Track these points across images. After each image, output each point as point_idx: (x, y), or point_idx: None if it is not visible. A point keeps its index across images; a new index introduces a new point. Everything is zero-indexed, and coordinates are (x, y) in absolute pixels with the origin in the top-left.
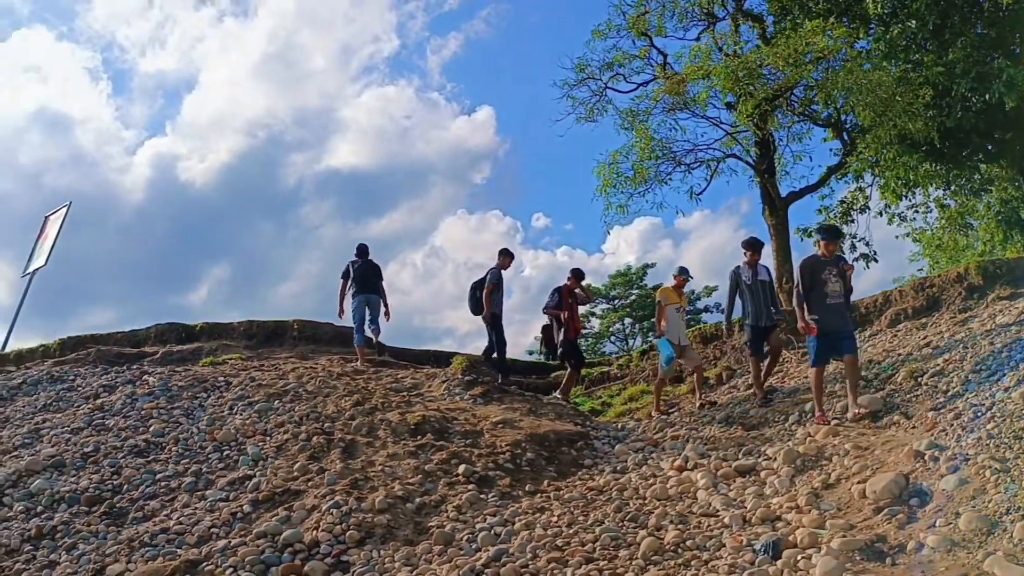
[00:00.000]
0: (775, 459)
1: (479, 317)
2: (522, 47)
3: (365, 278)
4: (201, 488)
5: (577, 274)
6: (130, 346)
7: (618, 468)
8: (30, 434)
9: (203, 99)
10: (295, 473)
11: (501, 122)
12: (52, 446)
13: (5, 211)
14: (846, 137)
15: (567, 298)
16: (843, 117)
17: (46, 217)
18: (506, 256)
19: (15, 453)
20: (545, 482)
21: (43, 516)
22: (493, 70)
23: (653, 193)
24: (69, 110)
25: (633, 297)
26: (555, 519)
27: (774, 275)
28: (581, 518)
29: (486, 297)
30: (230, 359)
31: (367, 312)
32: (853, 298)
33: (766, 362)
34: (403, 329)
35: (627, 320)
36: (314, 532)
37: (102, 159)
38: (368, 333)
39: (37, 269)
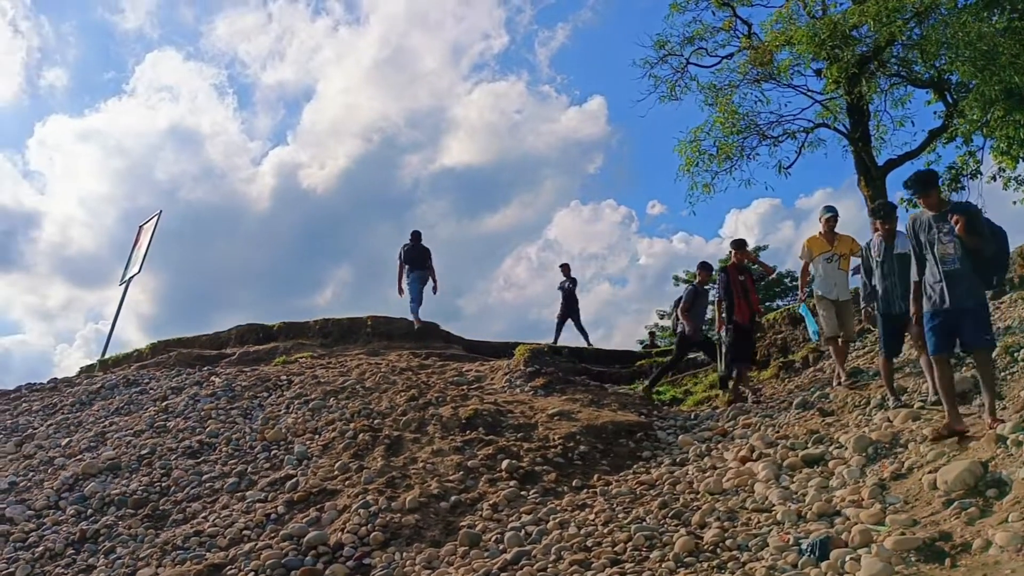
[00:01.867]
0: (846, 447)
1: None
2: (631, 33)
3: (416, 259)
4: (243, 489)
5: (739, 245)
6: (213, 348)
7: (677, 460)
8: (96, 437)
9: (321, 107)
10: (335, 472)
11: (613, 111)
12: (113, 449)
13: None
14: (950, 98)
15: (735, 276)
16: (947, 77)
17: (140, 226)
18: (703, 270)
19: (79, 456)
20: (595, 476)
21: (91, 519)
22: (603, 59)
23: (740, 170)
24: (199, 126)
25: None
26: (593, 517)
27: None
28: (621, 515)
29: (682, 314)
30: (301, 358)
31: (420, 289)
32: None
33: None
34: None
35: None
36: (340, 534)
37: (230, 170)
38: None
39: (132, 276)
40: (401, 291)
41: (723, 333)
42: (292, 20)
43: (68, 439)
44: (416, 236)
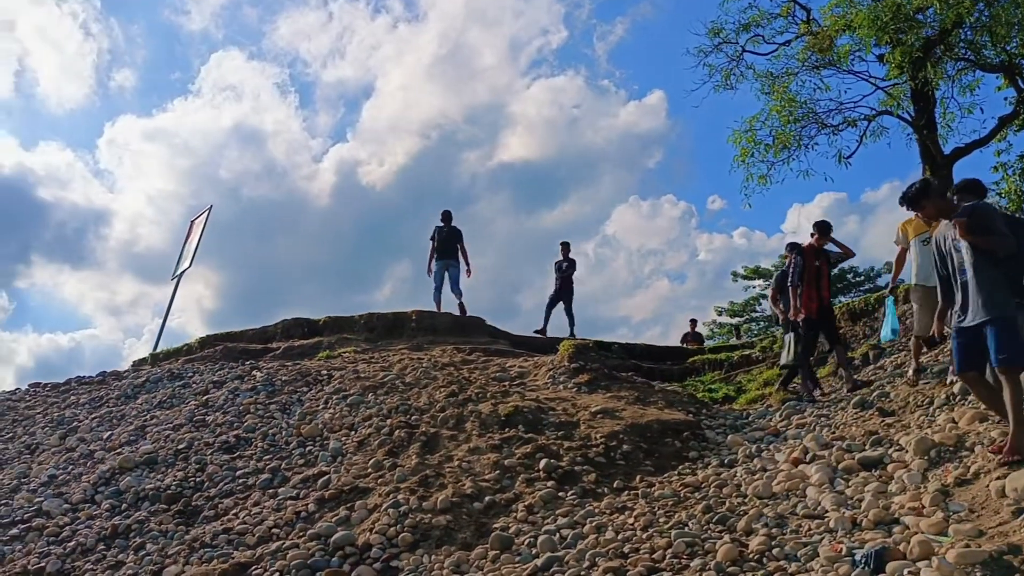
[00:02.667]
0: (907, 450)
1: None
2: (691, 24)
3: (446, 243)
4: (276, 485)
5: (823, 228)
6: (259, 342)
7: (725, 461)
8: (136, 431)
9: (380, 105)
10: (368, 469)
11: (672, 104)
12: (152, 443)
13: (210, 223)
14: (1022, 83)
15: (812, 261)
16: (1018, 61)
17: (192, 221)
18: (793, 252)
19: (118, 450)
20: (638, 478)
21: (124, 514)
22: (662, 52)
23: (798, 160)
24: (261, 124)
25: (772, 289)
26: (632, 521)
27: None
28: (662, 519)
29: (772, 302)
30: (344, 352)
31: (446, 278)
32: None
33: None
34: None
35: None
36: (368, 534)
37: (291, 168)
38: (443, 302)
39: (184, 271)
40: (430, 271)
41: (798, 322)
42: (352, 18)
43: (110, 432)
44: (447, 216)
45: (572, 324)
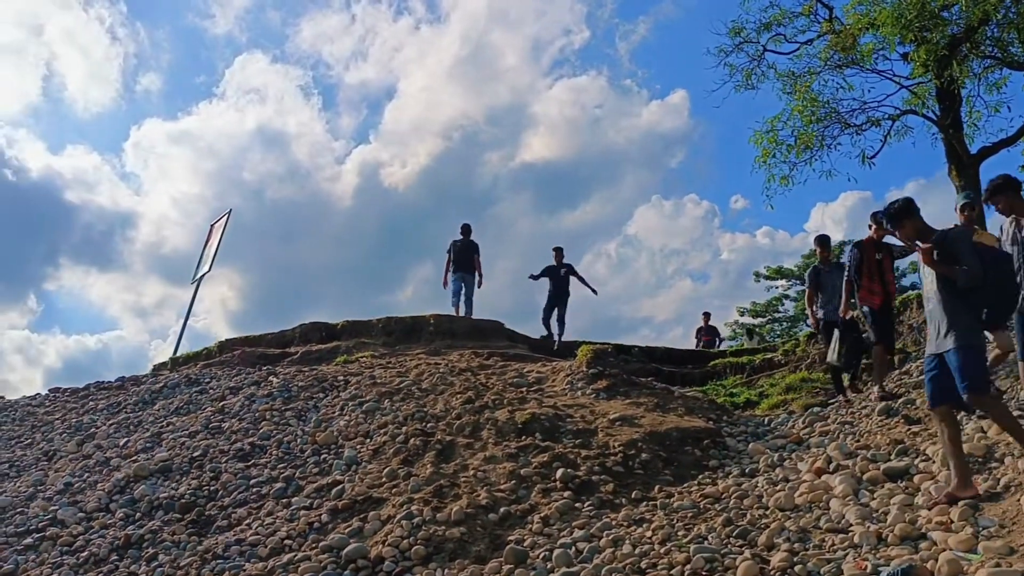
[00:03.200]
0: (934, 460)
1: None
2: (715, 24)
3: (461, 255)
4: (289, 495)
5: (882, 218)
6: (278, 346)
7: (747, 471)
8: (152, 438)
9: (403, 106)
10: (382, 479)
11: (695, 104)
12: (167, 450)
13: (234, 225)
14: None
15: (871, 254)
16: None
17: (211, 225)
18: (821, 246)
19: (134, 458)
20: (656, 488)
21: (138, 523)
22: (684, 51)
23: (820, 160)
24: (285, 126)
25: (808, 291)
26: (650, 534)
27: None
28: (681, 533)
29: (808, 305)
30: (362, 357)
31: (463, 289)
32: None
33: None
34: (598, 320)
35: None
36: (381, 547)
37: (314, 170)
38: (462, 308)
39: (204, 275)
40: (445, 284)
41: (862, 317)
42: (375, 20)
43: (126, 439)
44: (466, 230)
45: (562, 332)
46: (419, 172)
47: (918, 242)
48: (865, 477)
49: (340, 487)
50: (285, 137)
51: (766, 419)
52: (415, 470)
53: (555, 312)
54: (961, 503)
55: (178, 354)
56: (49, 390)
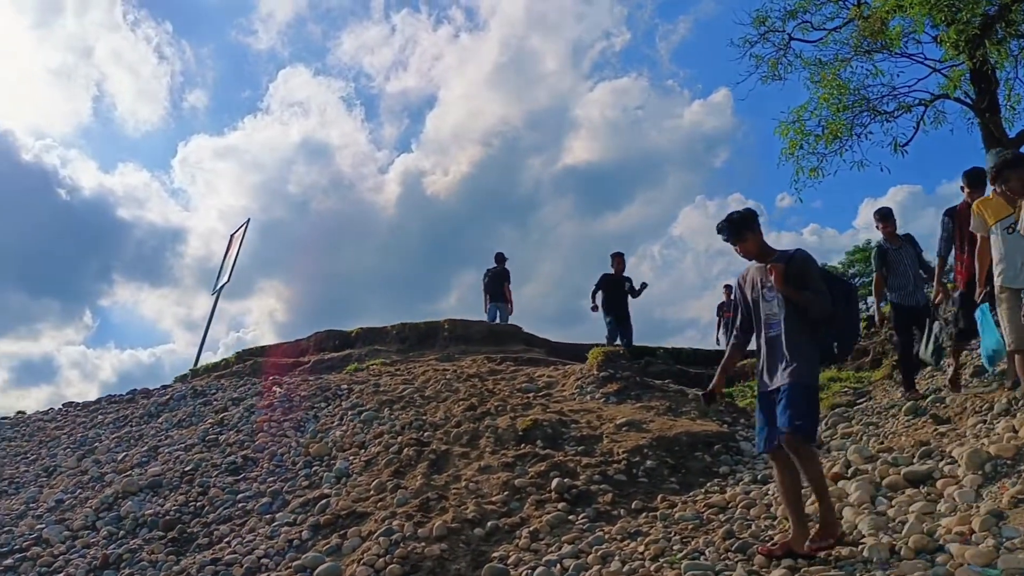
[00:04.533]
0: (959, 462)
1: None
2: (744, 16)
3: (493, 284)
4: (274, 510)
5: (976, 179)
6: (295, 355)
7: (759, 477)
8: (149, 452)
9: (443, 115)
10: (370, 492)
11: (738, 102)
12: (161, 464)
13: (279, 237)
14: None
15: (966, 224)
16: None
17: (231, 235)
18: (883, 220)
19: (128, 472)
20: (659, 497)
21: (119, 542)
22: (727, 50)
23: (851, 151)
24: (328, 138)
25: (876, 275)
26: (642, 549)
27: None
28: (677, 547)
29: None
30: (372, 365)
31: (498, 316)
32: None
33: None
34: (643, 322)
35: (869, 299)
36: (355, 566)
37: (358, 180)
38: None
39: (223, 286)
40: (486, 309)
41: (947, 302)
42: (415, 30)
43: (124, 453)
44: (498, 258)
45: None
46: (461, 180)
47: (769, 263)
48: (884, 483)
49: (326, 501)
50: (329, 149)
51: None
52: (405, 482)
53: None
54: (984, 512)
55: (197, 365)
56: (63, 404)
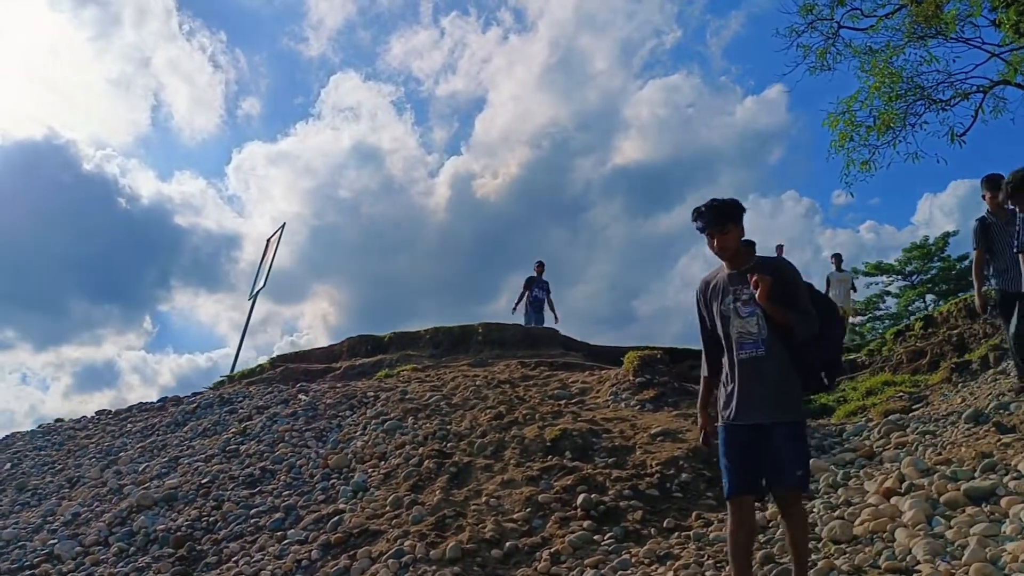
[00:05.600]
0: None
1: None
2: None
3: (538, 302)
4: (286, 527)
5: (995, 185)
6: (328, 361)
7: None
8: (170, 463)
9: (492, 117)
10: (386, 508)
11: (794, 98)
12: (180, 476)
13: (332, 242)
14: None
15: None
16: None
17: (267, 240)
18: (990, 187)
19: (147, 484)
20: (694, 515)
21: (128, 560)
22: (780, 44)
23: (905, 142)
24: (379, 142)
25: (934, 271)
26: (671, 575)
27: None
28: (710, 572)
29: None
30: (403, 371)
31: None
32: None
33: None
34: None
35: (928, 297)
36: None
37: (408, 184)
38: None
39: (259, 291)
40: (515, 309)
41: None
42: (463, 33)
43: (146, 464)
44: (540, 267)
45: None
46: (510, 182)
47: (750, 272)
48: (942, 499)
49: (339, 518)
50: (379, 153)
51: (839, 428)
52: (423, 497)
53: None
54: None
55: (234, 372)
56: (96, 412)
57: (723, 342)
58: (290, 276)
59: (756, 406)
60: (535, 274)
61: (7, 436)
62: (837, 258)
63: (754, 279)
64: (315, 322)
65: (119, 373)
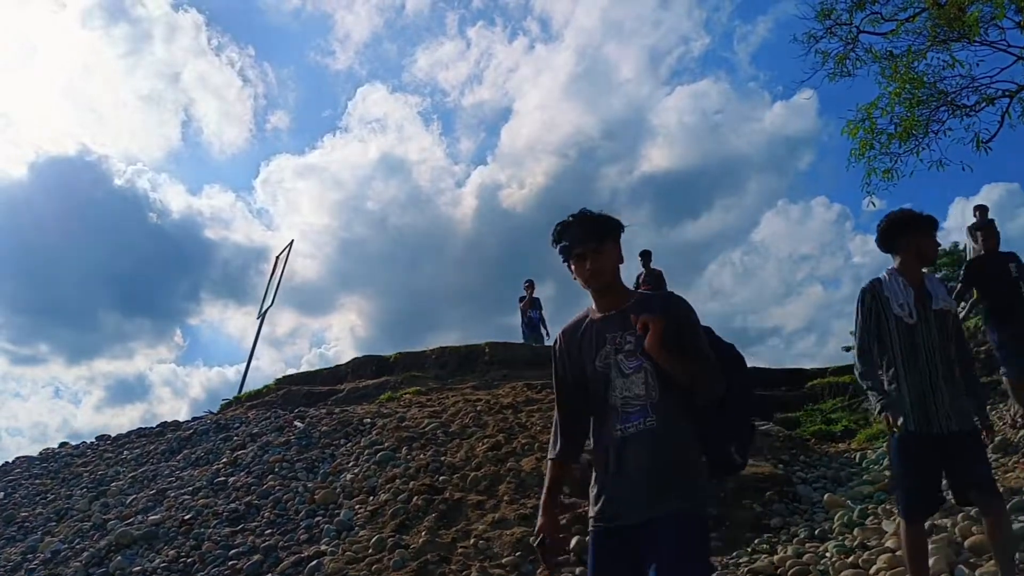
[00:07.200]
0: None
1: None
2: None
3: (534, 324)
4: (264, 571)
5: None
6: (333, 382)
7: (816, 532)
8: (156, 495)
9: (518, 127)
10: (368, 551)
11: (824, 103)
12: (165, 511)
13: (360, 254)
14: None
15: None
16: None
17: (276, 257)
18: None
19: (130, 520)
20: None
21: None
22: (800, 50)
23: (929, 149)
24: (406, 153)
25: None
26: None
27: None
28: None
29: None
30: (406, 394)
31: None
32: None
33: None
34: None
35: (960, 306)
36: None
37: (435, 195)
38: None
39: (267, 309)
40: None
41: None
42: (489, 43)
43: (133, 497)
44: (530, 287)
45: None
46: (537, 192)
47: (633, 312)
48: (967, 544)
49: (318, 562)
50: (406, 164)
51: (858, 455)
52: (408, 538)
53: None
54: None
55: (242, 392)
56: (96, 437)
57: (597, 413)
58: (317, 288)
59: (640, 501)
60: (526, 294)
61: (7, 463)
62: (982, 209)
63: (640, 321)
64: (343, 334)
65: (150, 386)
